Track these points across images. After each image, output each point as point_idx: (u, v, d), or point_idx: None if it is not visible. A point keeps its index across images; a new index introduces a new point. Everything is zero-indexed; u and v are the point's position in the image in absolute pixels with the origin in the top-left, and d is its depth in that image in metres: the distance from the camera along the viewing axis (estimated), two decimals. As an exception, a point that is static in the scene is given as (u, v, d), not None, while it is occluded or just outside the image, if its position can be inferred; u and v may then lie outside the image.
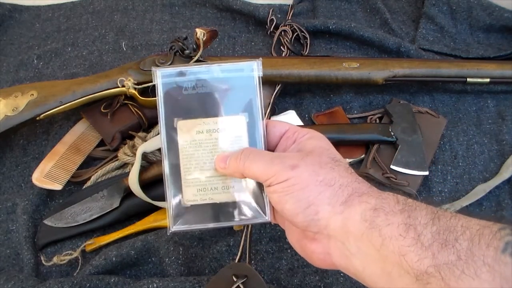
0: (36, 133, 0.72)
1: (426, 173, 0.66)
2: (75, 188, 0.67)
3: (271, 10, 0.82)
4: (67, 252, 0.59)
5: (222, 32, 0.84)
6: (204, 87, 0.42)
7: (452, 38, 0.83)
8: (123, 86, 0.67)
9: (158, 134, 0.66)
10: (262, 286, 0.49)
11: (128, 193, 0.62)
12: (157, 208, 0.62)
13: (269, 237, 0.61)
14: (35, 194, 0.65)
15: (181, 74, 0.42)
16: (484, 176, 0.67)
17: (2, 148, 0.71)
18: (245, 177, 0.40)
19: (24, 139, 0.72)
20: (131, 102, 0.70)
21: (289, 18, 0.84)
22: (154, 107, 0.67)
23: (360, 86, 0.76)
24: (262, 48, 0.83)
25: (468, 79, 0.70)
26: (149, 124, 0.71)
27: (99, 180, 0.66)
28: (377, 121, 0.72)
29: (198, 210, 0.41)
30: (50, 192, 0.66)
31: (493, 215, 0.63)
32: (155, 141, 0.63)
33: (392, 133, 0.68)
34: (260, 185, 0.41)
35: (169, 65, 0.68)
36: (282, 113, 0.73)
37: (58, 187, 0.64)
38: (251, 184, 0.41)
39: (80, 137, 0.70)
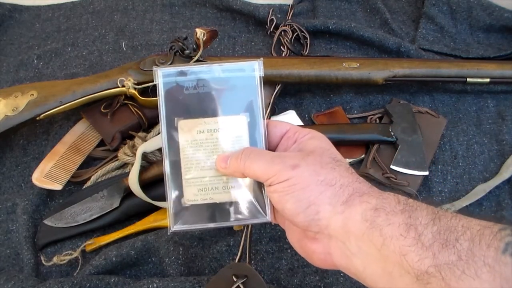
0: (36, 133, 0.72)
1: (426, 173, 0.66)
2: (75, 188, 0.67)
3: (271, 10, 0.82)
4: (67, 252, 0.59)
5: (222, 32, 0.84)
6: (205, 86, 0.42)
7: (452, 38, 0.83)
8: (123, 86, 0.67)
9: (158, 134, 0.66)
10: (262, 286, 0.49)
11: (128, 193, 0.62)
12: (157, 208, 0.62)
13: (269, 237, 0.61)
14: (35, 194, 0.65)
15: (182, 73, 0.42)
16: (484, 176, 0.67)
17: (2, 148, 0.71)
18: (246, 177, 0.40)
19: (24, 139, 0.72)
20: (131, 102, 0.70)
21: (289, 18, 0.84)
22: (154, 107, 0.68)
23: (360, 86, 0.76)
24: (262, 48, 0.83)
25: (468, 79, 0.70)
26: (149, 124, 0.71)
27: (99, 180, 0.66)
28: (377, 121, 0.72)
29: (198, 210, 0.41)
30: (50, 192, 0.66)
31: (493, 215, 0.63)
32: (155, 141, 0.63)
33: (392, 133, 0.68)
34: (260, 185, 0.41)
35: (169, 65, 0.68)
36: (282, 113, 0.73)
37: (58, 187, 0.64)
38: (252, 184, 0.41)
39: (80, 137, 0.70)
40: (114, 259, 0.57)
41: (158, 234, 0.60)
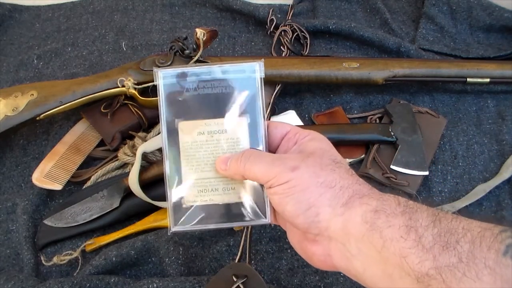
0: (36, 133, 0.72)
1: (426, 173, 0.66)
2: (75, 188, 0.67)
3: (271, 10, 0.82)
4: (67, 252, 0.59)
5: (222, 32, 0.84)
6: (205, 88, 0.42)
7: (452, 38, 0.83)
8: (123, 86, 0.67)
9: (158, 134, 0.66)
10: (262, 286, 0.49)
11: (128, 193, 0.62)
12: (157, 208, 0.62)
13: (269, 237, 0.61)
14: (35, 194, 0.65)
15: (183, 75, 0.42)
16: (484, 176, 0.67)
17: (2, 148, 0.71)
18: (246, 179, 0.40)
19: (24, 139, 0.72)
20: (131, 102, 0.70)
21: (289, 18, 0.84)
22: (154, 107, 0.68)
23: (360, 86, 0.76)
24: (262, 48, 0.83)
25: (468, 79, 0.70)
26: (149, 124, 0.71)
27: (99, 180, 0.66)
28: (377, 121, 0.72)
29: (198, 211, 0.41)
30: (50, 192, 0.66)
31: (493, 215, 0.63)
32: (155, 141, 0.63)
33: (392, 133, 0.68)
34: (260, 187, 0.41)
35: (169, 65, 0.68)
36: (282, 113, 0.73)
37: (58, 187, 0.64)
38: (252, 185, 0.41)
39: (80, 137, 0.70)
40: (114, 259, 0.57)
41: (158, 234, 0.60)
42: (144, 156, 0.62)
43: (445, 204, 0.64)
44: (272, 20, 0.82)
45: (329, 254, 0.37)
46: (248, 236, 0.55)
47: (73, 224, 0.62)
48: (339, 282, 0.57)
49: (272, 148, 0.42)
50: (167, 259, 0.58)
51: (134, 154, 0.63)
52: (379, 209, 0.34)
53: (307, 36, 0.81)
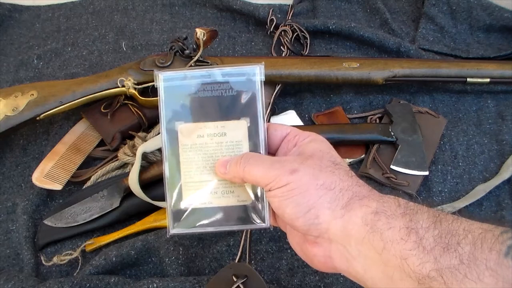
0: (36, 133, 0.72)
1: (426, 173, 0.66)
2: (75, 188, 0.67)
3: (271, 10, 0.82)
4: (67, 252, 0.59)
5: (222, 32, 0.84)
6: (205, 91, 0.42)
7: (452, 38, 0.83)
8: (123, 86, 0.67)
9: (158, 134, 0.66)
10: (262, 286, 0.49)
11: (128, 193, 0.62)
12: (157, 208, 0.62)
13: (269, 237, 0.61)
14: (35, 194, 0.65)
15: (183, 77, 0.42)
16: (484, 176, 0.67)
17: (2, 148, 0.71)
18: (245, 182, 0.40)
19: (24, 139, 0.72)
20: (131, 102, 0.70)
21: (289, 18, 0.84)
22: (154, 107, 0.68)
23: (360, 86, 0.76)
24: (262, 48, 0.83)
25: (468, 79, 0.70)
26: (149, 124, 0.71)
27: (99, 180, 0.66)
28: (377, 121, 0.72)
29: (197, 214, 0.41)
30: (50, 192, 0.66)
31: (493, 215, 0.63)
32: (155, 141, 0.63)
33: (392, 133, 0.68)
34: (260, 190, 0.41)
35: (169, 65, 0.68)
36: (282, 113, 0.73)
37: (58, 187, 0.64)
38: (251, 189, 0.41)
39: (80, 137, 0.70)
40: (114, 259, 0.57)
41: (158, 234, 0.60)
42: (144, 156, 0.62)
43: (445, 204, 0.64)
44: (272, 20, 0.82)
45: (330, 256, 0.37)
46: (248, 236, 0.55)
47: (73, 224, 0.62)
48: (339, 282, 0.57)
49: (272, 150, 0.42)
50: (167, 259, 0.58)
51: (134, 154, 0.63)
52: (379, 211, 0.34)
53: (307, 36, 0.81)
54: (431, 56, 0.79)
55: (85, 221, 0.62)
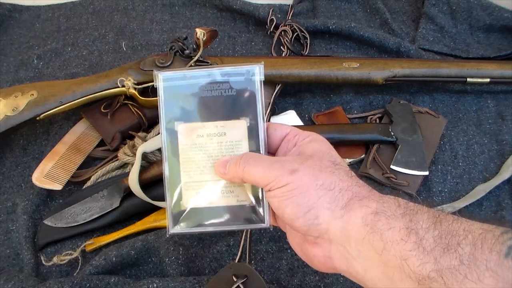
0: (36, 133, 0.72)
1: (426, 173, 0.66)
2: (75, 188, 0.67)
3: (271, 10, 0.82)
4: (67, 252, 0.59)
5: (222, 32, 0.84)
6: (205, 91, 0.42)
7: (452, 38, 0.83)
8: (123, 86, 0.67)
9: (158, 134, 0.66)
10: (262, 286, 0.49)
11: (128, 193, 0.62)
12: (157, 208, 0.62)
13: (269, 237, 0.61)
14: (35, 194, 0.65)
15: (183, 77, 0.42)
16: (484, 176, 0.67)
17: (2, 148, 0.71)
18: (245, 183, 0.40)
19: (24, 139, 0.72)
20: (131, 102, 0.70)
21: (289, 18, 0.84)
22: (154, 107, 0.68)
23: (360, 86, 0.76)
24: (262, 48, 0.83)
25: (468, 79, 0.70)
26: (149, 124, 0.71)
27: (99, 180, 0.66)
28: (377, 121, 0.72)
29: (197, 214, 0.41)
30: (50, 192, 0.66)
31: (493, 215, 0.63)
32: (155, 141, 0.63)
33: (392, 133, 0.68)
34: (260, 191, 0.41)
35: (169, 65, 0.68)
36: (282, 113, 0.73)
37: (58, 187, 0.64)
38: (251, 189, 0.41)
39: (80, 137, 0.70)
40: (114, 259, 0.57)
41: (158, 234, 0.60)
42: (144, 156, 0.62)
43: (445, 204, 0.64)
44: (272, 20, 0.82)
45: (330, 256, 0.37)
46: (248, 236, 0.55)
47: (73, 224, 0.62)
48: (339, 282, 0.57)
49: (271, 150, 0.42)
50: (167, 259, 0.58)
51: (134, 154, 0.63)
52: (379, 211, 0.33)
53: (307, 36, 0.81)
54: (431, 56, 0.80)
55: (85, 221, 0.62)
